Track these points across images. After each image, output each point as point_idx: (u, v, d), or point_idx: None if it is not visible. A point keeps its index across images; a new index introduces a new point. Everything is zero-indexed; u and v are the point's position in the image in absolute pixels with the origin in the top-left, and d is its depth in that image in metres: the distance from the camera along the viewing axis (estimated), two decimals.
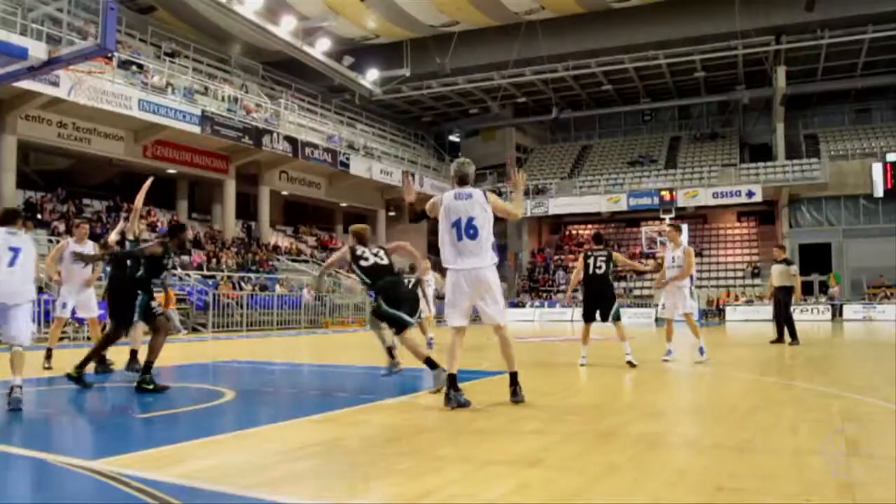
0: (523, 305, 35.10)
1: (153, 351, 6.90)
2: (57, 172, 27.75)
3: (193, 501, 3.17)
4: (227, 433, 4.91)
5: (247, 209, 31.03)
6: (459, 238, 5.80)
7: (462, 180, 5.95)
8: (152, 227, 26.19)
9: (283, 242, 31.76)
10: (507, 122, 43.75)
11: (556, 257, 40.09)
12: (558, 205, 37.61)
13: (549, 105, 41.55)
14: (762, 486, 3.46)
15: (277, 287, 25.13)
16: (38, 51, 6.01)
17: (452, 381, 5.84)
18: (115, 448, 4.43)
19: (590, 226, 42.46)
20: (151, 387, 6.72)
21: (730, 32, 32.33)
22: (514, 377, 6.05)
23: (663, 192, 34.92)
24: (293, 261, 29.87)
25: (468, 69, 36.37)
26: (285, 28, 30.66)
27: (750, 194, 34.06)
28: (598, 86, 39.41)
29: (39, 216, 22.23)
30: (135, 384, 6.83)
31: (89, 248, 9.30)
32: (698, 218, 38.82)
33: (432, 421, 5.73)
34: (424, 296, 11.61)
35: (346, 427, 5.21)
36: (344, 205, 36.50)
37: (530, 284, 38.04)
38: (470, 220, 5.78)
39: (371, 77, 36.48)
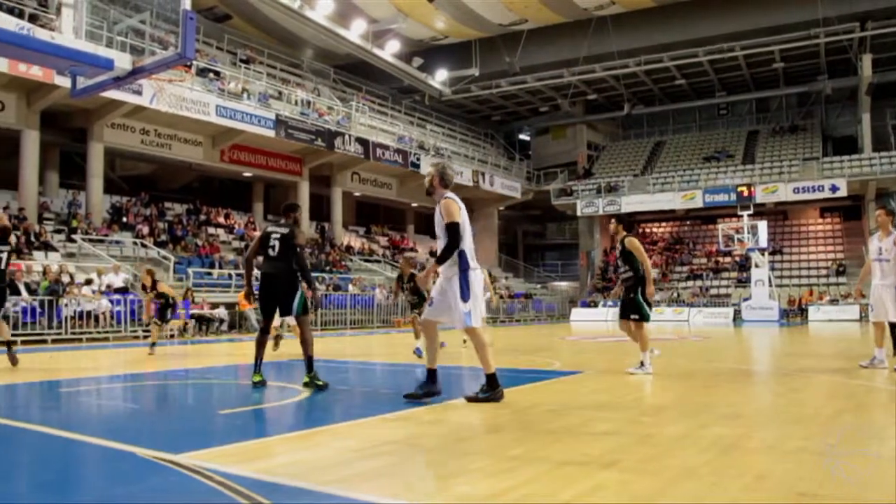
0: (595, 305, 34.63)
1: (309, 344, 7.04)
2: (140, 177, 28.95)
3: (273, 497, 3.24)
4: (304, 430, 5.02)
5: (320, 210, 31.64)
6: (471, 237, 6.05)
7: (451, 183, 6.20)
8: (230, 230, 27.00)
9: (356, 243, 32.24)
10: (577, 119, 43.28)
11: None
12: (631, 202, 36.96)
13: (620, 101, 40.91)
14: (846, 494, 3.32)
15: (350, 287, 25.51)
16: (122, 61, 6.23)
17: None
18: (197, 443, 4.59)
19: (664, 224, 41.64)
20: (321, 383, 6.85)
21: (811, 20, 31.13)
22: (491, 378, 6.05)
23: (741, 188, 33.90)
24: (366, 261, 30.28)
25: (537, 67, 36.14)
26: (355, 31, 31.14)
27: (834, 189, 32.73)
28: (671, 80, 38.56)
29: (125, 220, 23.16)
30: (304, 381, 6.95)
31: None
32: (778, 214, 37.56)
33: (505, 420, 5.72)
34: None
35: (419, 426, 5.25)
36: (415, 205, 36.80)
37: (603, 284, 37.51)
38: (469, 222, 6.08)
39: (440, 77, 36.67)
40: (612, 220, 8.80)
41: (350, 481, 3.55)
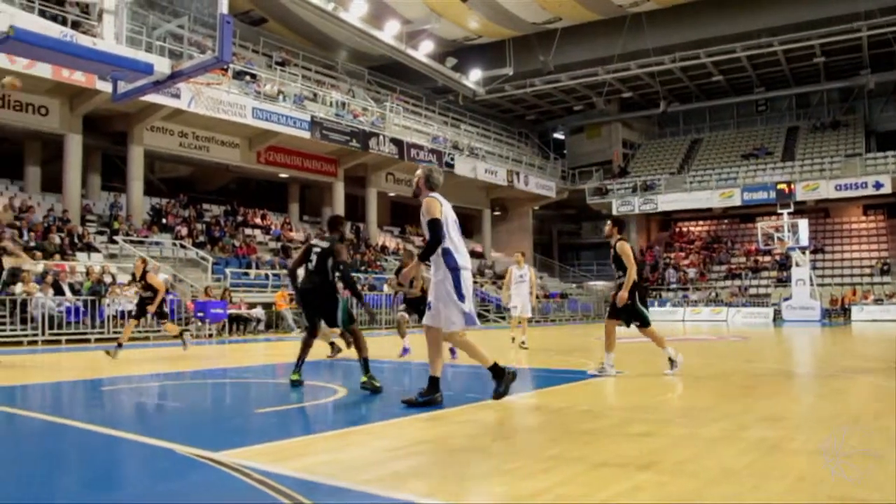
0: None
1: (363, 348, 7.05)
2: (179, 179, 29.44)
3: (311, 495, 3.28)
4: (341, 429, 5.05)
5: (355, 211, 31.84)
6: (460, 239, 5.93)
7: (438, 186, 6.04)
8: (266, 231, 27.31)
9: (391, 243, 32.38)
10: (612, 117, 42.94)
11: (666, 255, 38.98)
12: (667, 201, 36.55)
13: (656, 99, 40.46)
14: (886, 497, 3.25)
15: (385, 287, 25.61)
16: (162, 66, 6.35)
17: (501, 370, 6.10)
18: (236, 441, 4.65)
19: (701, 222, 41.09)
20: (377, 384, 6.77)
21: (852, 13, 30.45)
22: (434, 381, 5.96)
23: (781, 186, 33.26)
24: (400, 261, 30.36)
25: (572, 65, 35.92)
26: (389, 32, 31.28)
27: (878, 186, 31.98)
28: (708, 77, 38.03)
29: (164, 221, 23.56)
30: (361, 381, 6.89)
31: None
32: (819, 212, 36.80)
33: (540, 421, 5.71)
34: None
35: (454, 425, 5.26)
36: None
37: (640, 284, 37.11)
38: (458, 222, 6.00)
39: (474, 77, 36.66)
40: (608, 223, 8.62)
41: (386, 480, 3.57)
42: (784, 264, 32.92)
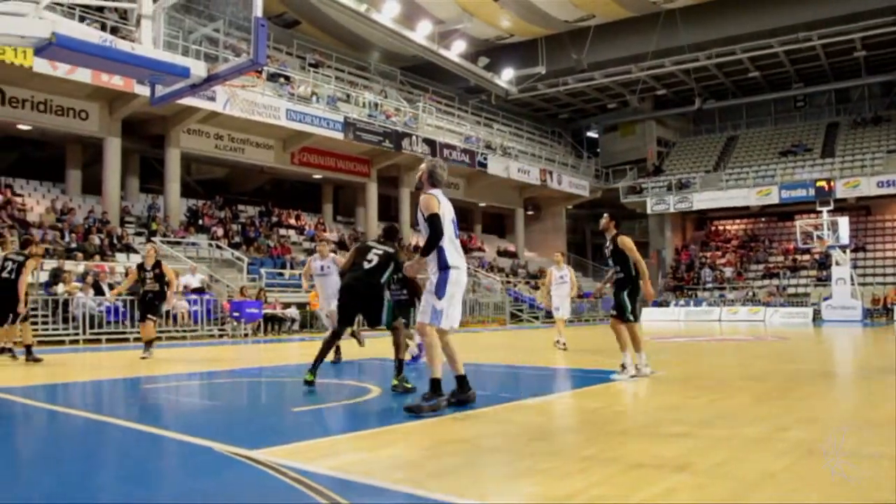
0: (667, 304, 33.95)
1: (401, 348, 7.08)
2: (214, 181, 29.84)
3: (346, 493, 3.30)
4: (375, 428, 5.07)
5: (388, 211, 31.96)
6: (456, 236, 5.83)
7: (441, 182, 5.89)
8: (301, 231, 27.55)
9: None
10: (646, 115, 42.50)
11: (702, 254, 38.48)
12: (703, 199, 36.06)
13: (690, 96, 39.94)
14: None
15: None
16: (198, 69, 6.43)
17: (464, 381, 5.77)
18: (272, 439, 4.70)
19: (737, 221, 40.49)
20: (409, 386, 6.70)
21: (894, 6, 29.72)
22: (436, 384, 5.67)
23: (820, 183, 32.61)
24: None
25: (605, 63, 35.61)
26: (421, 33, 31.35)
27: None
28: (744, 73, 37.42)
29: (201, 222, 23.90)
30: (392, 384, 6.82)
31: (329, 260, 10.29)
32: (860, 210, 35.98)
33: (575, 421, 5.68)
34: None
35: (488, 425, 5.25)
36: (482, 204, 36.80)
37: (674, 283, 36.74)
38: (456, 220, 5.87)
39: (506, 76, 36.57)
40: (605, 216, 8.35)
41: (420, 480, 3.58)
42: (824, 263, 32.29)
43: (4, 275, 10.19)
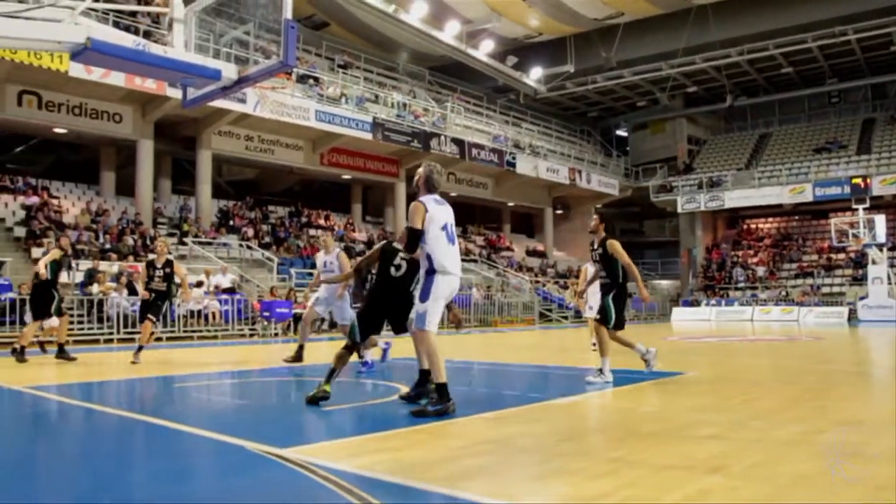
0: (698, 304, 33.58)
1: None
2: (245, 182, 30.16)
3: (376, 493, 3.31)
4: (405, 428, 5.08)
5: None
6: (450, 242, 5.70)
7: (437, 188, 5.84)
8: (330, 231, 27.72)
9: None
10: (676, 113, 42.05)
11: (733, 253, 37.99)
12: (734, 198, 35.59)
13: (722, 93, 39.47)
14: None
15: None
16: (229, 72, 6.50)
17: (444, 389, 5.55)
18: (302, 438, 4.74)
19: (770, 219, 39.91)
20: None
21: None
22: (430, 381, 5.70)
23: (856, 180, 32.01)
24: (462, 260, 30.38)
25: (634, 61, 35.30)
26: (449, 32, 31.36)
27: None
28: (777, 69, 36.85)
29: (231, 223, 24.16)
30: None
31: (333, 256, 9.47)
32: None
33: (605, 422, 5.64)
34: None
35: (518, 425, 5.23)
36: (511, 204, 36.72)
37: (705, 282, 36.31)
38: (452, 225, 5.77)
39: (535, 75, 36.43)
40: (595, 217, 8.10)
41: (449, 479, 3.58)
42: (859, 262, 31.70)
43: (49, 275, 10.44)
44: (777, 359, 10.25)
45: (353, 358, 7.28)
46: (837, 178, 33.29)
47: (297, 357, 9.39)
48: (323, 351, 11.16)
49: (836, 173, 34.20)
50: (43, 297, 10.45)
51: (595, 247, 7.90)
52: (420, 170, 5.96)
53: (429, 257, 5.60)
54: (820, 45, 33.04)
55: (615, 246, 7.60)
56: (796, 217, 39.01)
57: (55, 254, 10.54)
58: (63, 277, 11.26)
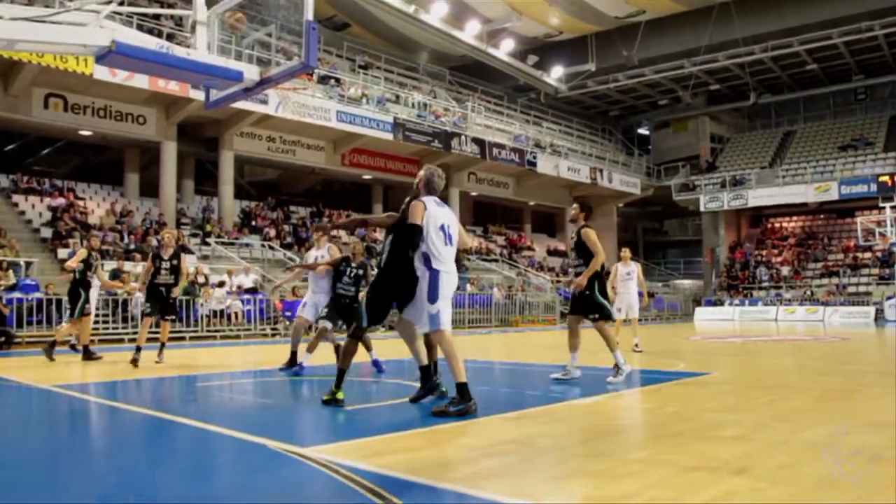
0: (721, 303, 33.28)
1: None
2: (267, 183, 30.37)
3: (397, 492, 3.32)
4: (425, 427, 5.08)
5: None
6: (448, 243, 5.73)
7: (437, 190, 5.94)
8: (351, 231, 27.80)
9: (473, 242, 32.44)
10: (699, 111, 41.70)
11: (757, 252, 37.60)
12: (758, 196, 35.24)
13: (745, 91, 39.05)
14: None
15: (468, 286, 25.69)
16: (251, 73, 6.55)
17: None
18: (323, 437, 4.76)
19: (794, 218, 39.46)
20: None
21: None
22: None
23: (883, 178, 31.54)
24: (483, 260, 30.42)
25: (656, 59, 35.04)
26: (470, 32, 31.34)
27: None
28: (802, 66, 36.38)
29: (253, 223, 24.33)
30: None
31: (325, 251, 9.07)
32: None
33: (628, 422, 5.61)
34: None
35: (539, 425, 5.22)
36: (532, 203, 36.63)
37: (729, 282, 35.97)
38: (450, 227, 5.78)
39: (556, 74, 36.30)
40: (575, 205, 8.03)
41: (470, 479, 3.58)
42: (886, 261, 31.25)
43: (78, 274, 10.68)
44: (802, 359, 10.13)
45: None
46: (864, 176, 32.84)
47: (292, 363, 8.88)
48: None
49: (862, 171, 33.74)
50: (74, 296, 10.67)
51: (572, 235, 7.93)
52: (421, 172, 6.04)
53: (426, 255, 5.63)
54: (846, 41, 32.53)
55: (589, 235, 7.63)
56: (821, 216, 38.52)
57: (83, 253, 10.73)
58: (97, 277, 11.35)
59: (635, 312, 12.26)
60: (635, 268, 12.35)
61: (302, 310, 9.20)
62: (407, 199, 5.96)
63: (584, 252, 7.66)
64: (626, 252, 12.75)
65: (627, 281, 12.21)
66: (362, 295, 8.43)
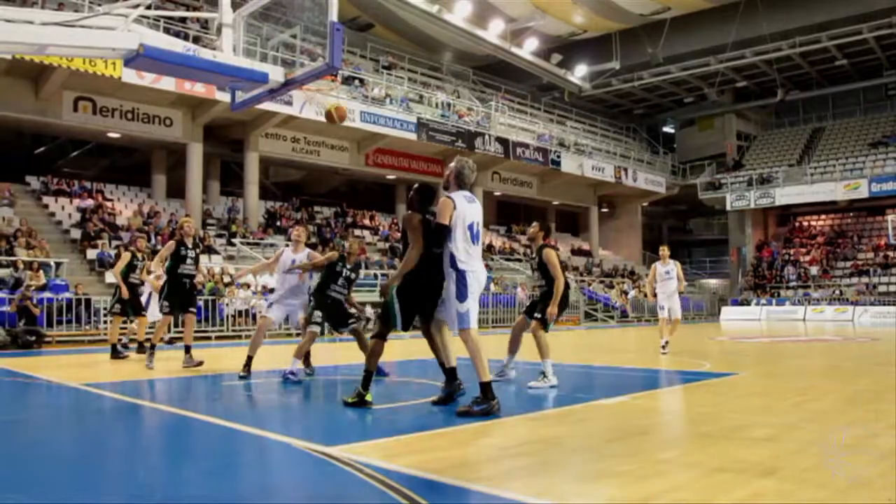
0: (748, 303, 32.91)
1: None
2: (291, 183, 30.56)
3: (421, 491, 3.32)
4: (449, 427, 5.08)
5: None
6: (474, 241, 5.65)
7: (468, 183, 5.84)
8: (375, 231, 27.92)
9: (497, 242, 32.40)
10: (725, 108, 41.27)
11: (784, 251, 37.11)
12: (786, 194, 34.79)
13: (772, 87, 38.54)
14: None
15: (492, 286, 25.65)
16: (276, 75, 6.60)
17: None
18: (348, 436, 4.78)
19: (823, 216, 38.90)
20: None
21: None
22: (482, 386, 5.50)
23: None
24: (507, 260, 30.37)
25: (681, 56, 34.73)
26: (493, 31, 31.30)
27: None
28: (831, 61, 35.82)
29: (278, 224, 24.51)
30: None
31: (303, 255, 8.63)
32: None
33: (654, 423, 5.57)
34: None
35: (565, 426, 5.20)
36: (556, 203, 36.48)
37: (755, 281, 35.56)
38: (477, 224, 5.70)
39: (580, 73, 36.13)
40: (535, 224, 7.89)
41: (495, 479, 3.58)
42: None
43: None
44: (831, 360, 9.98)
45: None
46: (895, 174, 32.27)
47: (249, 368, 8.22)
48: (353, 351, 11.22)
49: (893, 168, 33.17)
50: (128, 296, 10.80)
51: (533, 254, 7.83)
52: (451, 164, 5.95)
53: (452, 255, 5.58)
54: (876, 36, 31.98)
55: (549, 256, 7.50)
56: (851, 214, 37.93)
57: (126, 257, 10.95)
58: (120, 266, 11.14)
59: (678, 313, 11.70)
60: (674, 266, 11.83)
61: (268, 311, 8.72)
62: (406, 212, 5.89)
63: (546, 272, 7.53)
64: (664, 250, 12.15)
65: (668, 280, 11.70)
66: (354, 297, 8.50)
